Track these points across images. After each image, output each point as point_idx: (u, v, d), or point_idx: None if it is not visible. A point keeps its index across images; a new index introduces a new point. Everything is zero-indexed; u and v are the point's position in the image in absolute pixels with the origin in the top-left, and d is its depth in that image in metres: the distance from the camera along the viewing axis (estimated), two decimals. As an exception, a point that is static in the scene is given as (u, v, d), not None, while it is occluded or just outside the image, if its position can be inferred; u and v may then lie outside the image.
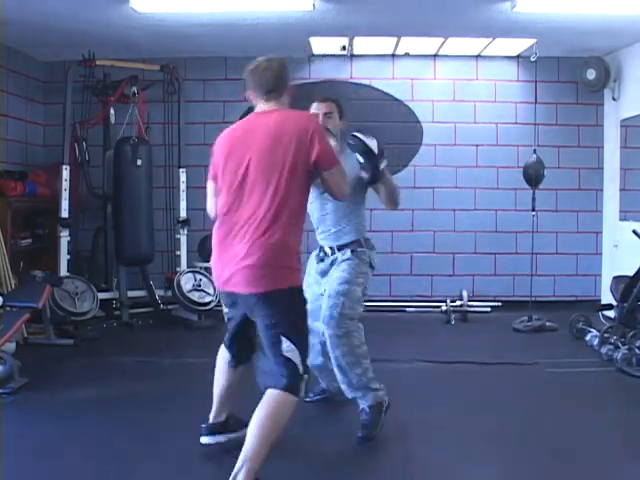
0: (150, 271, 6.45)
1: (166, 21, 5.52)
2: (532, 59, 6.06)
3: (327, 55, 6.83)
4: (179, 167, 6.56)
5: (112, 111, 6.41)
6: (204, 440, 3.16)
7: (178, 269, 6.42)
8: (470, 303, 6.42)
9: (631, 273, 4.95)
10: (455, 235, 6.85)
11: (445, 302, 6.37)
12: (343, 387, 3.45)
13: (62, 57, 6.55)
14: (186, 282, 6.15)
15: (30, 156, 6.68)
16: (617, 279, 5.23)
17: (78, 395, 4.00)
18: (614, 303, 5.14)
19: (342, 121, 3.59)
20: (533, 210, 6.13)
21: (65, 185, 6.06)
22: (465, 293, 6.39)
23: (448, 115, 6.85)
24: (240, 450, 2.62)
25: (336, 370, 3.43)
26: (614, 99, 6.54)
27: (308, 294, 3.21)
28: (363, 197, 3.54)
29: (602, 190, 6.85)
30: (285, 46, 6.22)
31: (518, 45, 6.41)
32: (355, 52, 6.78)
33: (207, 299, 6.14)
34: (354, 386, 3.40)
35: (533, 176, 6.03)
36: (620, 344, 4.78)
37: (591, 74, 6.47)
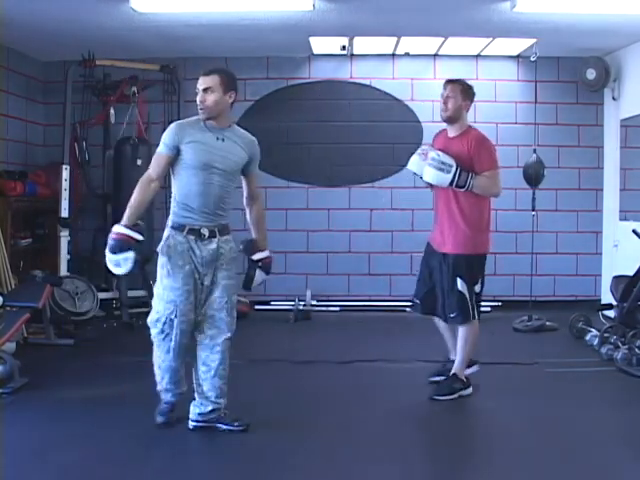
0: (150, 271, 6.43)
1: (166, 21, 5.52)
2: (532, 59, 6.06)
3: (327, 55, 6.82)
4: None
5: (112, 111, 6.41)
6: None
7: (178, 269, 6.40)
8: (470, 303, 6.41)
9: (631, 273, 4.96)
10: (455, 235, 6.83)
11: (445, 302, 6.36)
12: None
13: (62, 57, 6.55)
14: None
15: (30, 156, 6.68)
16: (617, 279, 5.23)
17: (78, 395, 4.00)
18: (614, 303, 5.14)
19: (228, 95, 3.31)
20: (533, 210, 6.13)
21: (65, 185, 6.06)
22: (465, 293, 6.37)
23: (448, 115, 6.84)
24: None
25: None
26: (614, 99, 6.54)
27: None
28: None
29: (602, 190, 6.85)
30: (285, 46, 6.21)
31: (518, 45, 6.41)
32: (355, 52, 6.77)
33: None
34: None
35: (533, 176, 6.03)
36: (620, 344, 4.78)
37: (591, 74, 6.47)
